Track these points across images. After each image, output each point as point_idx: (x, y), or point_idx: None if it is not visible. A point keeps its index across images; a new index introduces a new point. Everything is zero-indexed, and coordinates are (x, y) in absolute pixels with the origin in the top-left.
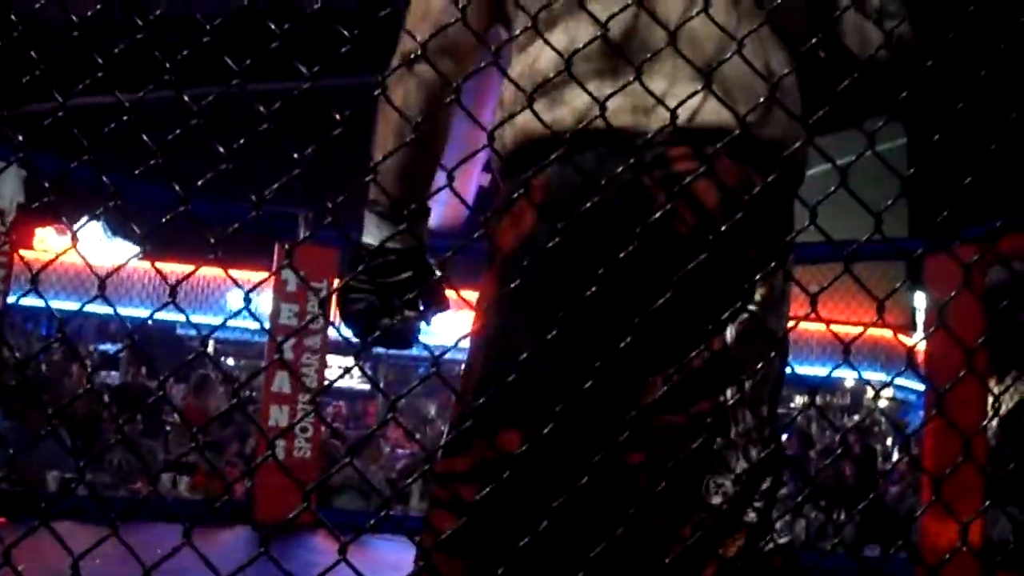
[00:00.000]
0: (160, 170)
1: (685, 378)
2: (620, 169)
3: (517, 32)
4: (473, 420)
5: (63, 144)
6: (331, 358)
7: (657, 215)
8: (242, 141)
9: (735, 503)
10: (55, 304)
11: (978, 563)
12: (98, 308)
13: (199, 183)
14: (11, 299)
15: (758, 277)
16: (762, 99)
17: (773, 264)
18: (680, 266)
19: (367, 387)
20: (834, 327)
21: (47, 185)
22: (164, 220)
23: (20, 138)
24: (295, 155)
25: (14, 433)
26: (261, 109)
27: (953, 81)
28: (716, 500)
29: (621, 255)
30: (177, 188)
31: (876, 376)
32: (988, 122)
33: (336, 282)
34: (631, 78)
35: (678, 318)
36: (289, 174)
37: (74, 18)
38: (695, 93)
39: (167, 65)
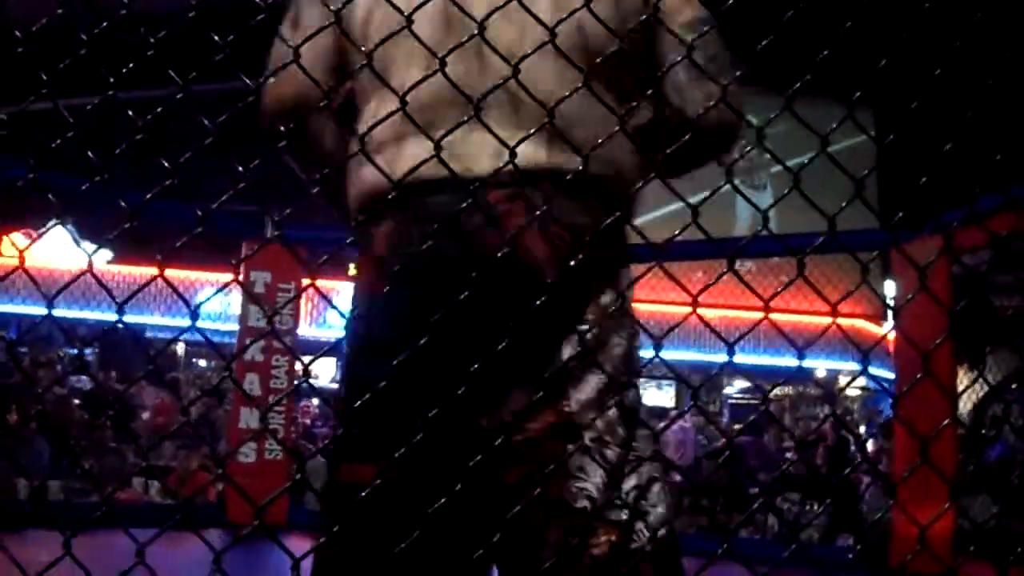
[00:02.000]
0: (126, 172)
1: (527, 396)
2: (441, 214)
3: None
4: (336, 446)
5: (27, 148)
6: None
7: (480, 253)
8: (207, 142)
9: (599, 504)
10: (23, 309)
11: (948, 552)
12: (67, 312)
13: (162, 185)
14: None
15: (585, 300)
16: (584, 139)
17: (600, 286)
18: (506, 297)
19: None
20: (806, 318)
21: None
22: (127, 225)
23: None
24: (245, 161)
25: None
26: (206, 121)
27: (920, 71)
28: (581, 504)
29: (453, 293)
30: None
31: (848, 365)
32: (955, 113)
33: (304, 281)
34: (456, 129)
35: (514, 346)
36: (242, 179)
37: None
38: (524, 138)
39: (127, 66)
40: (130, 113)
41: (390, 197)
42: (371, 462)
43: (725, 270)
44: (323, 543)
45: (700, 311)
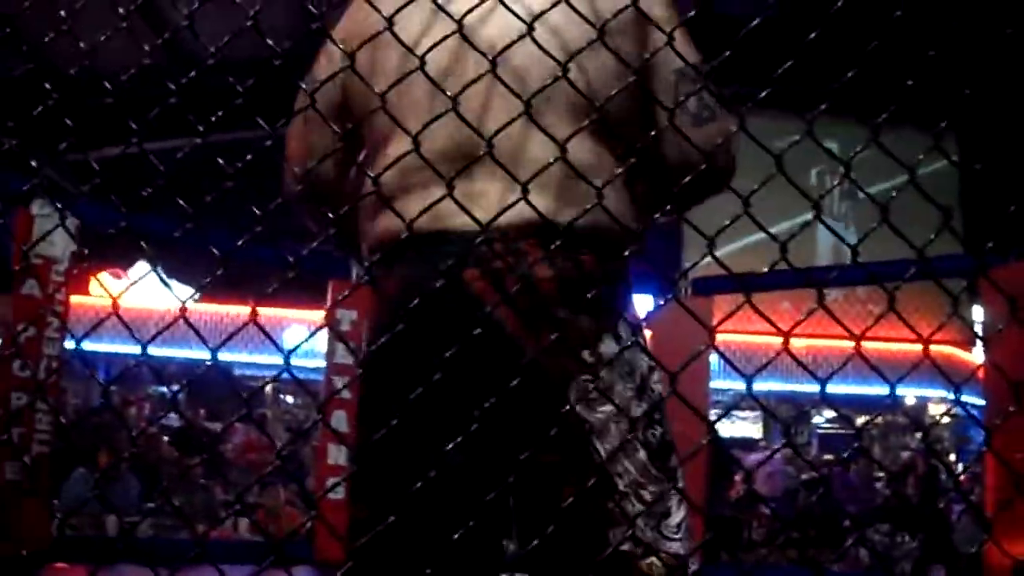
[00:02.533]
0: (214, 214)
1: (555, 454)
2: (444, 265)
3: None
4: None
5: (116, 191)
6: None
7: (470, 304)
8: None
9: (649, 543)
10: (113, 347)
11: None
12: (156, 351)
13: (252, 232)
14: (68, 344)
15: (585, 345)
16: (577, 193)
17: (597, 331)
18: (504, 349)
19: None
20: (895, 346)
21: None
22: (213, 275)
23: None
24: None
25: (80, 479)
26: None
27: (1001, 95)
28: (626, 547)
29: (448, 346)
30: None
31: (937, 393)
32: None
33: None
34: (455, 184)
35: (517, 399)
36: (331, 223)
37: (105, 85)
38: (522, 197)
39: (215, 112)
40: (220, 161)
41: (399, 246)
42: (380, 505)
43: (812, 301)
44: None
45: (792, 342)
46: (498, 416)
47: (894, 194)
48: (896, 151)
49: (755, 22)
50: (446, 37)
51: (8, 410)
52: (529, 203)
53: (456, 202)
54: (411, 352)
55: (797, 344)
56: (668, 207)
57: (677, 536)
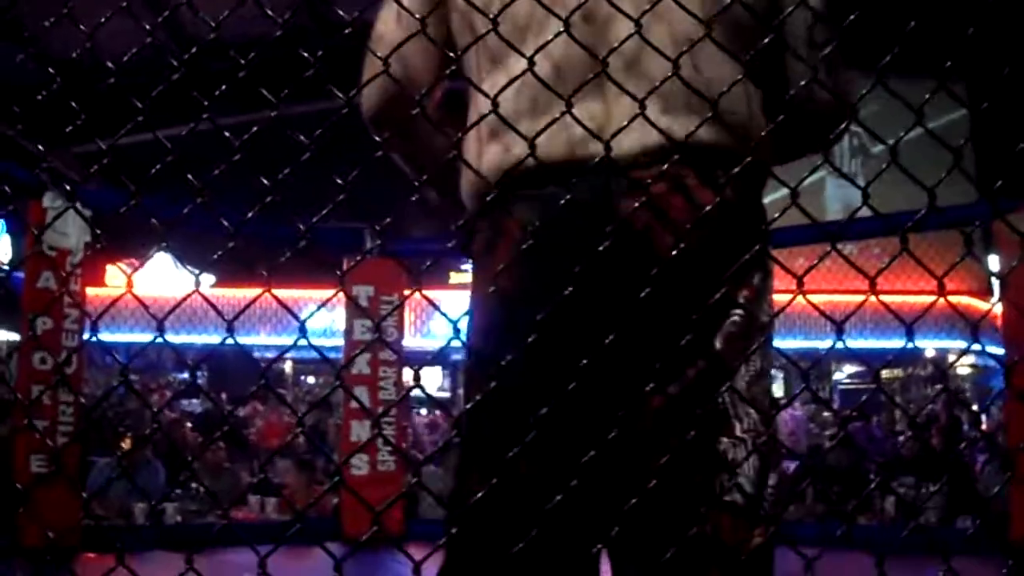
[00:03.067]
0: (224, 196)
1: (683, 387)
2: (586, 197)
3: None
4: (470, 444)
5: (125, 179)
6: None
7: (631, 236)
8: (303, 158)
9: (753, 498)
10: (132, 337)
11: None
12: (173, 337)
13: (262, 203)
14: (86, 336)
15: (739, 282)
16: (711, 112)
17: (750, 266)
18: (661, 283)
19: (447, 395)
20: (912, 298)
21: (100, 222)
22: (224, 249)
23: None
24: (340, 177)
25: (105, 469)
26: (301, 138)
27: (1009, 40)
28: (735, 497)
29: (602, 277)
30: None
31: (956, 344)
32: None
33: (406, 292)
34: (589, 106)
35: (667, 332)
36: (337, 197)
37: (112, 64)
38: (635, 115)
39: (215, 92)
40: (227, 135)
41: (523, 179)
42: (521, 454)
43: (824, 252)
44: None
45: (802, 298)
46: (655, 350)
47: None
48: (907, 102)
49: None
50: None
51: (30, 402)
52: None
53: (586, 129)
54: (565, 286)
55: (814, 300)
56: (790, 146)
57: (772, 495)
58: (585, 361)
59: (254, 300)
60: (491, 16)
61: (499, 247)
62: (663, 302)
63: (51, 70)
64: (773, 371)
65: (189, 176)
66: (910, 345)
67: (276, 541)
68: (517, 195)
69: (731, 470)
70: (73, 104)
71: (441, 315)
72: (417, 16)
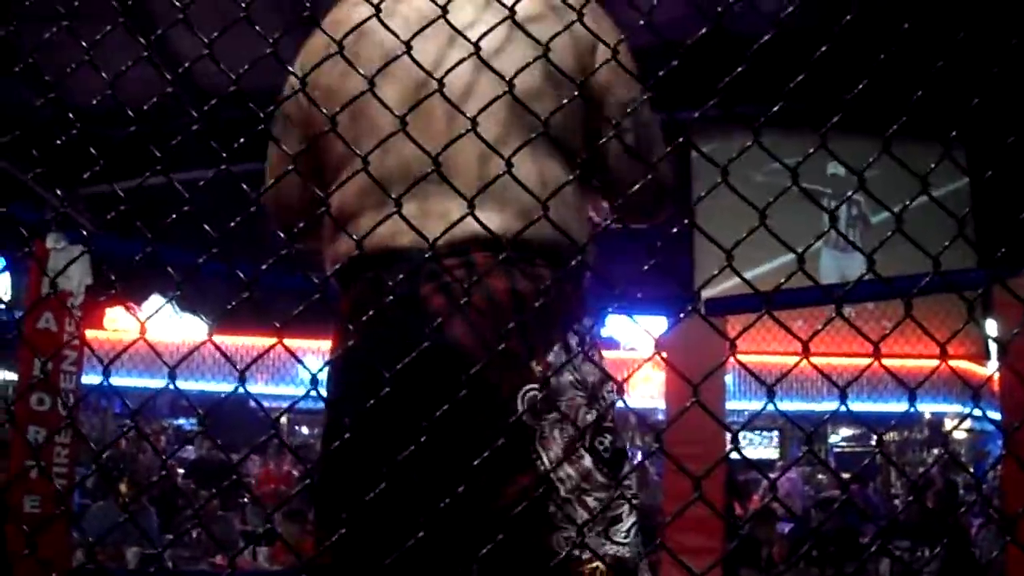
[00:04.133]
0: (225, 246)
1: (499, 461)
2: (396, 283)
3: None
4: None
5: (128, 225)
6: None
7: (427, 319)
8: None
9: (593, 547)
10: (127, 381)
11: None
12: (167, 383)
13: (278, 256)
14: (84, 379)
15: (534, 356)
16: (531, 205)
17: (548, 341)
18: (457, 363)
19: None
20: (909, 362)
21: (108, 265)
22: (230, 305)
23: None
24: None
25: (99, 512)
26: (317, 192)
27: (1010, 107)
28: (569, 551)
29: (402, 360)
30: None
31: (953, 408)
32: None
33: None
34: (410, 204)
35: (467, 410)
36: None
37: (130, 113)
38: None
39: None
40: (244, 187)
41: (353, 266)
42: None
43: (829, 317)
44: None
45: (805, 360)
46: (453, 428)
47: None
48: (908, 173)
49: (764, 38)
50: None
51: (26, 444)
52: (476, 219)
53: (404, 220)
54: (369, 371)
55: (813, 362)
56: (617, 218)
57: (625, 541)
58: (390, 438)
59: (269, 349)
60: (333, 119)
61: (339, 316)
62: (456, 380)
63: (71, 116)
64: (747, 434)
65: (204, 227)
66: (911, 409)
67: None
68: (351, 279)
69: (562, 528)
70: (92, 151)
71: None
72: (290, 131)
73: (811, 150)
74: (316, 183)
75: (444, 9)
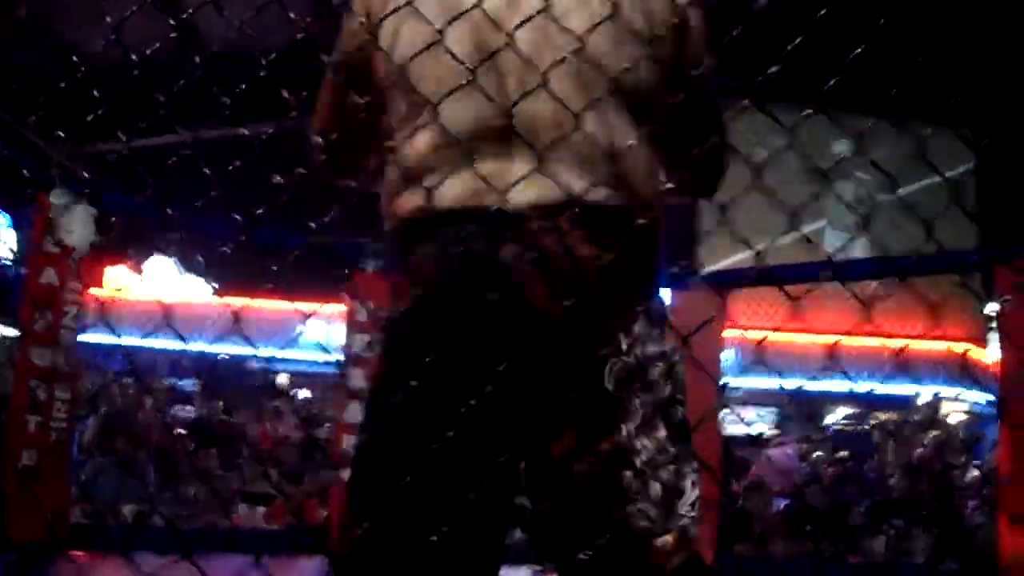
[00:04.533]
0: (224, 204)
1: (579, 429)
2: (478, 243)
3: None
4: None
5: (131, 182)
6: None
7: (509, 283)
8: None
9: (663, 521)
10: (128, 340)
11: None
12: (170, 343)
13: (259, 212)
14: (82, 337)
15: (619, 329)
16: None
17: (632, 311)
18: (542, 331)
19: None
20: (909, 342)
21: (111, 221)
22: (225, 251)
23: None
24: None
25: (95, 467)
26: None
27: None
28: (642, 524)
29: (486, 326)
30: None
31: (951, 390)
32: None
33: None
34: (488, 163)
35: (555, 377)
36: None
37: (134, 57)
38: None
39: (225, 101)
40: (250, 135)
41: (429, 223)
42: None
43: (824, 298)
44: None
45: (805, 338)
46: (531, 391)
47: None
48: (913, 151)
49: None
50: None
51: (26, 397)
52: (556, 183)
53: (484, 179)
54: (447, 333)
55: (816, 341)
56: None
57: (690, 514)
58: (472, 401)
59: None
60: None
61: (405, 283)
62: (539, 346)
63: (80, 68)
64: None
65: (207, 170)
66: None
67: (264, 549)
68: (422, 236)
69: (636, 499)
70: (95, 95)
71: None
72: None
73: (806, 114)
74: (376, 132)
75: None
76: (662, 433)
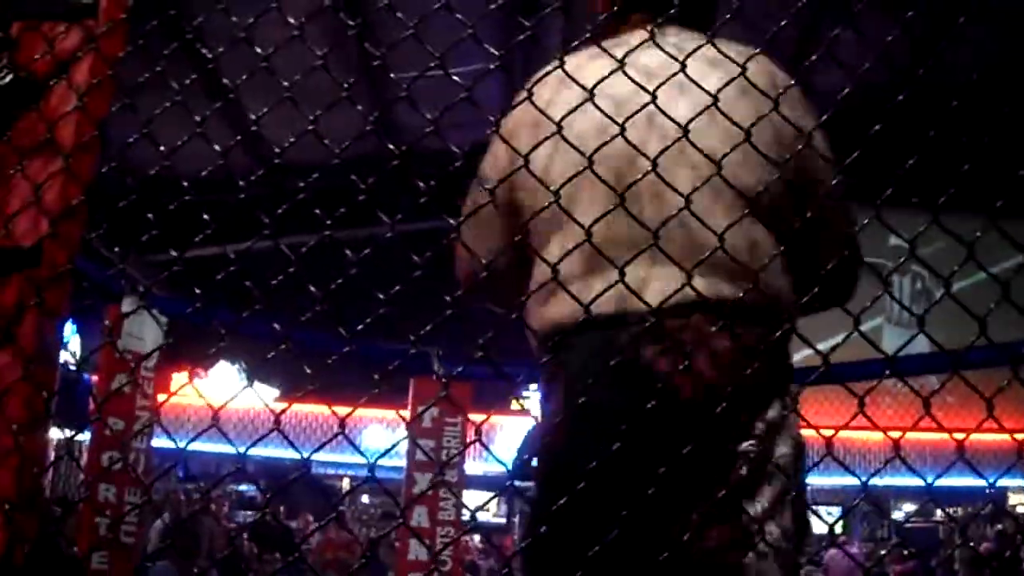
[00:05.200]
0: (292, 313)
1: (710, 510)
2: (621, 347)
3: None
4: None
5: (199, 291)
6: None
7: (652, 379)
8: (398, 288)
9: None
10: (194, 446)
11: None
12: (232, 449)
13: (367, 323)
14: (155, 443)
15: (754, 416)
16: (743, 272)
17: (766, 402)
18: (685, 423)
19: (503, 520)
20: (974, 435)
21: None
22: (310, 369)
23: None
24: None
25: (162, 573)
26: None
27: None
28: None
29: (634, 419)
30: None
31: (1017, 482)
32: None
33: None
34: (628, 271)
35: (695, 466)
36: (405, 319)
37: (184, 183)
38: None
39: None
40: (341, 253)
41: (578, 328)
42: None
43: (887, 396)
44: None
45: (860, 434)
46: (679, 478)
47: (962, 285)
48: (977, 248)
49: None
50: (616, 135)
51: (97, 501)
52: (692, 286)
53: (627, 286)
54: (600, 426)
55: (871, 436)
56: (814, 298)
57: None
58: (621, 494)
59: (334, 437)
60: (551, 189)
61: (553, 388)
62: (681, 436)
63: (129, 180)
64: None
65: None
66: (974, 484)
67: None
68: (569, 344)
69: None
70: (149, 216)
71: (487, 450)
72: (490, 205)
73: (865, 220)
74: (516, 255)
75: (651, 94)
76: (787, 521)
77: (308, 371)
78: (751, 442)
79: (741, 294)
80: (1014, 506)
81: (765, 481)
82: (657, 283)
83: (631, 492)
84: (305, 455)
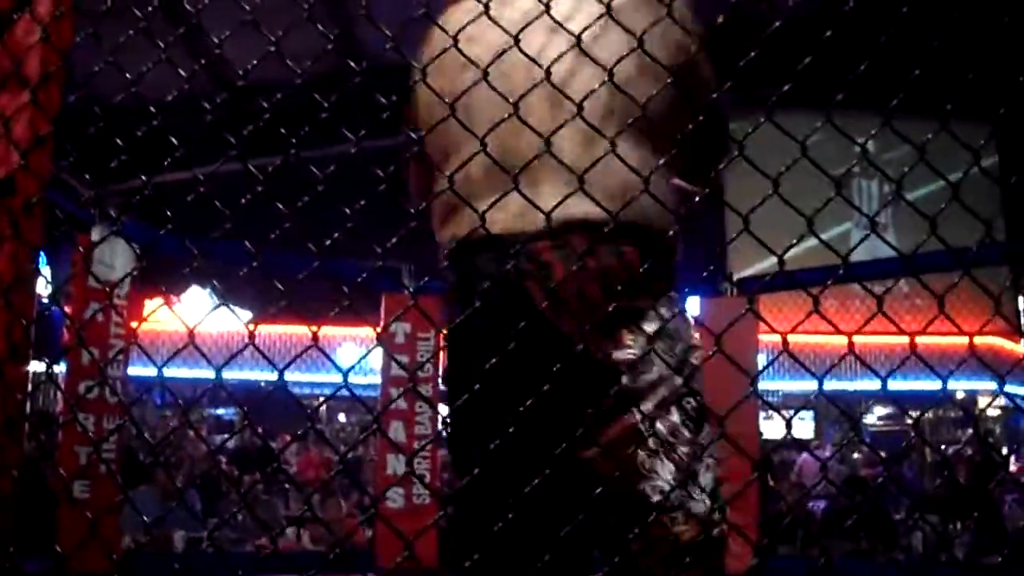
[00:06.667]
0: (263, 235)
1: (593, 415)
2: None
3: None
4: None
5: (165, 217)
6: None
7: (522, 296)
8: (364, 202)
9: (675, 498)
10: (168, 372)
11: None
12: (207, 373)
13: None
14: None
15: (630, 327)
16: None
17: (639, 312)
18: (557, 338)
19: None
20: (942, 339)
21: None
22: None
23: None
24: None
25: (143, 497)
26: (376, 170)
27: None
28: (656, 498)
29: (508, 335)
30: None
31: (986, 385)
32: None
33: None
34: (507, 191)
35: (570, 373)
36: (373, 234)
37: (152, 109)
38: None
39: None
40: (308, 172)
41: (462, 249)
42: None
43: (855, 299)
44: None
45: (831, 339)
46: (554, 390)
47: (926, 189)
48: (937, 150)
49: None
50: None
51: (75, 430)
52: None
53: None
54: (479, 339)
55: (841, 342)
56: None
57: (702, 497)
58: (500, 402)
59: (306, 350)
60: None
61: (447, 300)
62: (554, 349)
63: (103, 112)
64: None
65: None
66: (944, 389)
67: (312, 570)
68: (460, 260)
69: (649, 477)
70: (119, 138)
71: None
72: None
73: (818, 124)
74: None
75: (547, 6)
76: (676, 418)
77: (281, 288)
78: (629, 351)
79: (615, 213)
80: (983, 409)
81: (648, 385)
82: (540, 203)
83: (516, 402)
84: (280, 370)
